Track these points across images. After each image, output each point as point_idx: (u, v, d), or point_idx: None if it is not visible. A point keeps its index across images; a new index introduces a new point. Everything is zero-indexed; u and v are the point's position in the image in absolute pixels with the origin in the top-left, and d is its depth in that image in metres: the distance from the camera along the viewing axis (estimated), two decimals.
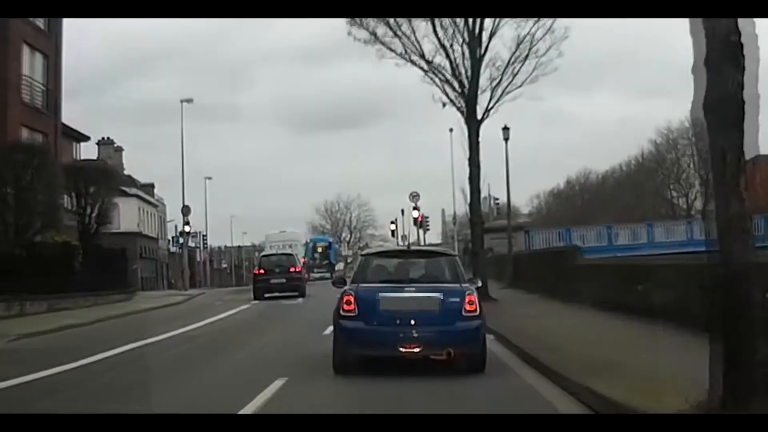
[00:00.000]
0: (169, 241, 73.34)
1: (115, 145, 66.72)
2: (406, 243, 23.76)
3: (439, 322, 11.41)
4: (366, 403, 9.66)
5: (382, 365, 11.52)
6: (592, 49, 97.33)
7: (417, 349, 11.31)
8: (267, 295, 33.42)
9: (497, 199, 62.12)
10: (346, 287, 12.07)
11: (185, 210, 51.93)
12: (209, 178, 75.21)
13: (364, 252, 15.85)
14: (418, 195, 53.56)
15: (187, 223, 52.22)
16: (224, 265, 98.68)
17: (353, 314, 11.51)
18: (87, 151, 65.53)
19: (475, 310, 11.55)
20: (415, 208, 53.77)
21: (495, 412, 8.08)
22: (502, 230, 44.91)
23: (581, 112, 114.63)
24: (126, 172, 69.39)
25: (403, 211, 67.74)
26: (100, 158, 64.61)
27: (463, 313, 11.49)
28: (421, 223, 57.02)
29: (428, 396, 9.93)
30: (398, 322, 11.36)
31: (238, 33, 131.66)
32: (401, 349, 11.29)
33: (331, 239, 74.09)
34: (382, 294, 11.60)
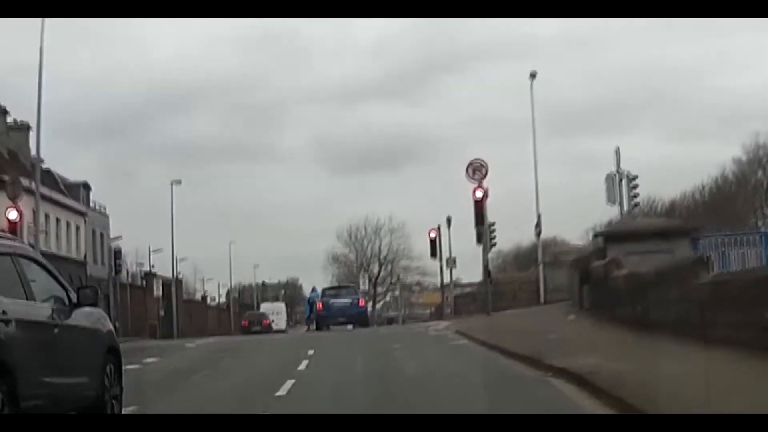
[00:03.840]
0: (112, 267, 51.16)
1: (17, 121, 45.03)
2: (341, 283, 49.68)
3: (350, 310, 38.56)
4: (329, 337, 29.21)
5: (333, 329, 36.48)
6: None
7: (343, 320, 38.12)
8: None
9: (635, 179, 33.12)
10: (317, 299, 42.34)
11: (12, 190, 28.93)
12: (177, 182, 54.58)
13: (323, 288, 47.94)
14: (483, 165, 30.86)
15: (16, 212, 28.92)
16: (214, 303, 76.60)
17: (322, 310, 39.04)
18: None
19: (364, 305, 43.50)
20: (479, 189, 30.77)
21: (490, 406, 9.64)
22: (654, 236, 23.22)
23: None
24: (46, 166, 47.59)
25: (449, 219, 45.97)
26: None
27: (359, 306, 39.92)
28: (483, 234, 34.25)
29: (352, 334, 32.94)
30: (337, 311, 38.36)
31: (276, 73, 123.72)
32: (339, 320, 38.06)
33: None
34: (331, 301, 39.39)
